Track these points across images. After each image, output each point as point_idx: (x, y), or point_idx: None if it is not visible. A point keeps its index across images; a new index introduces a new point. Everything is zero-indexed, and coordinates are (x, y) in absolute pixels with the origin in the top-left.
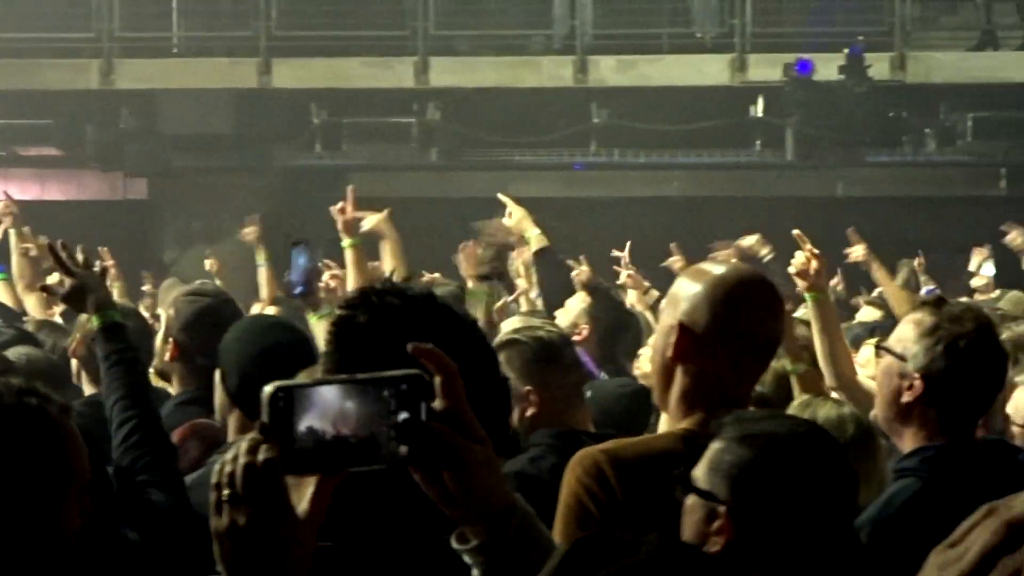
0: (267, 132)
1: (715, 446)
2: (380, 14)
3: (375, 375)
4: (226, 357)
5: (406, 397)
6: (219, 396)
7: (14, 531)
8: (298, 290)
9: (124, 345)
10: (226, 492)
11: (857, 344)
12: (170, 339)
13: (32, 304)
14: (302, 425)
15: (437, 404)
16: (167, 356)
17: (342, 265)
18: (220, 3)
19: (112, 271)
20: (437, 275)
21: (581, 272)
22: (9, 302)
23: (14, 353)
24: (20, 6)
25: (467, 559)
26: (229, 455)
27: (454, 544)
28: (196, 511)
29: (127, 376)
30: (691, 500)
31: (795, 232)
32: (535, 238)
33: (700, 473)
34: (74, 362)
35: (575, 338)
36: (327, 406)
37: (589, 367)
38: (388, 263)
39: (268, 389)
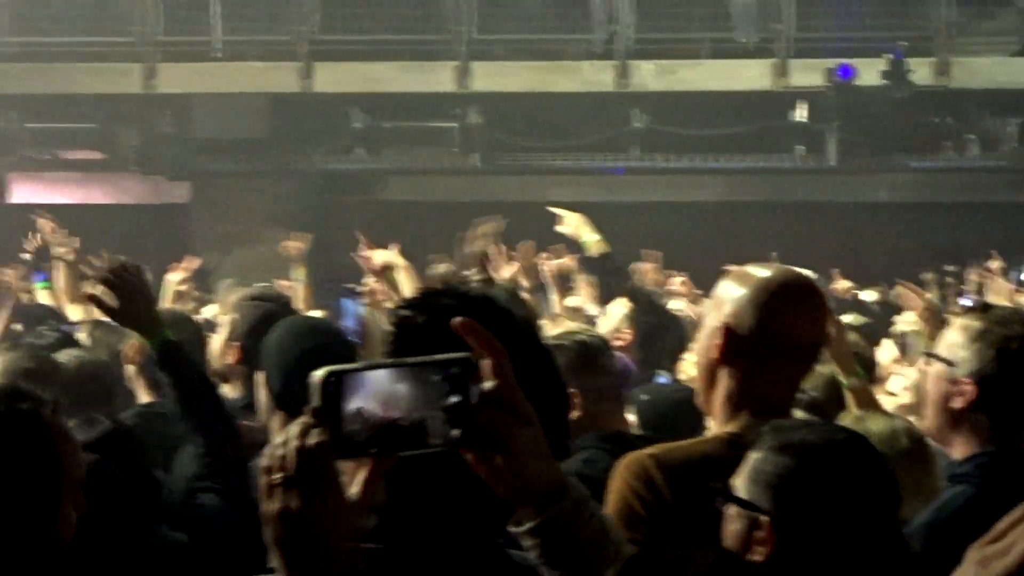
0: (306, 136)
1: (754, 456)
2: (420, 18)
3: (425, 358)
4: (268, 359)
5: (456, 380)
6: (262, 398)
7: (12, 533)
8: (354, 340)
9: (184, 365)
10: (278, 475)
11: (907, 351)
12: (233, 343)
13: (75, 314)
14: (353, 409)
15: (486, 385)
16: (229, 359)
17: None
18: (261, 8)
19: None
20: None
21: (646, 267)
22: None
23: (64, 356)
24: (63, 11)
25: (524, 543)
26: (280, 439)
27: (511, 528)
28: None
29: (194, 396)
30: (732, 510)
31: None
32: (594, 244)
33: (740, 483)
34: (129, 367)
35: (618, 343)
36: (378, 390)
37: (632, 372)
38: (406, 291)
39: (319, 373)
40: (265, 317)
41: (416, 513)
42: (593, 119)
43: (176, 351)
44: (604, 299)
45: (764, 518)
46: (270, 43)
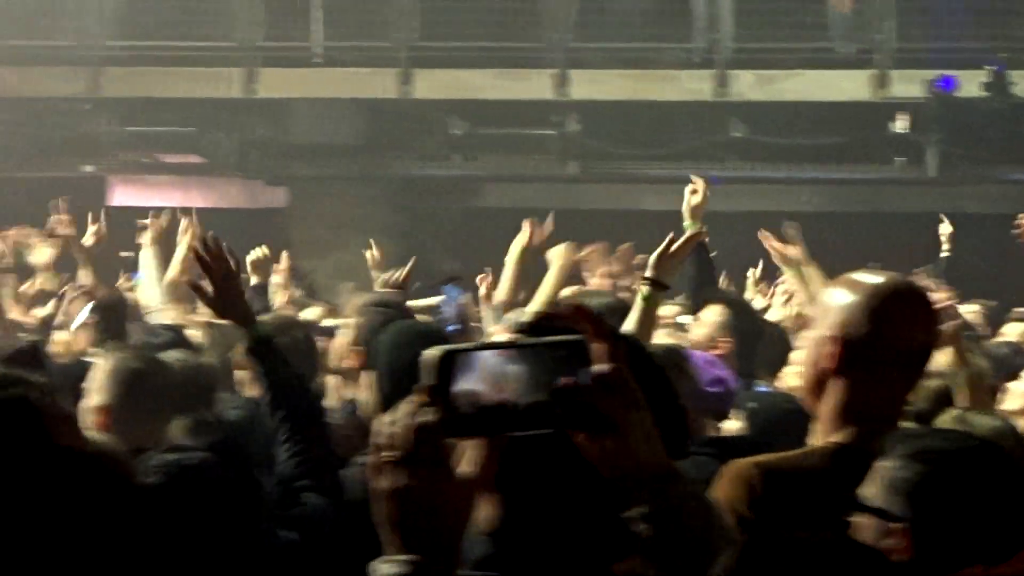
0: (403, 142)
1: (886, 464)
2: (518, 26)
3: (537, 340)
4: (381, 362)
5: (567, 362)
6: (369, 399)
7: (12, 515)
8: (452, 327)
9: (275, 363)
10: (389, 453)
11: (1005, 365)
12: (356, 347)
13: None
14: (464, 389)
15: (597, 368)
16: (351, 363)
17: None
18: (361, 14)
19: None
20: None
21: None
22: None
23: (169, 357)
24: (164, 16)
25: (634, 529)
26: (391, 417)
27: (624, 515)
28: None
29: (285, 394)
30: (862, 520)
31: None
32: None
33: (871, 492)
34: (239, 372)
35: (716, 352)
36: (489, 371)
37: (730, 381)
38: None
39: (434, 352)
40: (387, 322)
41: (530, 535)
42: (691, 128)
43: (267, 346)
44: (695, 302)
45: (899, 525)
46: (370, 49)
